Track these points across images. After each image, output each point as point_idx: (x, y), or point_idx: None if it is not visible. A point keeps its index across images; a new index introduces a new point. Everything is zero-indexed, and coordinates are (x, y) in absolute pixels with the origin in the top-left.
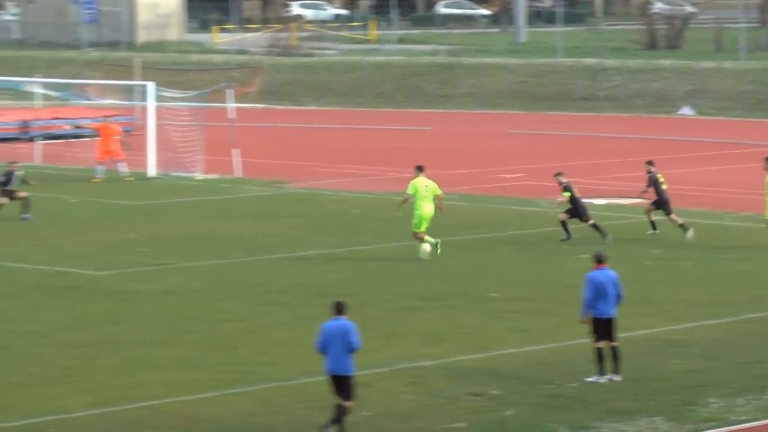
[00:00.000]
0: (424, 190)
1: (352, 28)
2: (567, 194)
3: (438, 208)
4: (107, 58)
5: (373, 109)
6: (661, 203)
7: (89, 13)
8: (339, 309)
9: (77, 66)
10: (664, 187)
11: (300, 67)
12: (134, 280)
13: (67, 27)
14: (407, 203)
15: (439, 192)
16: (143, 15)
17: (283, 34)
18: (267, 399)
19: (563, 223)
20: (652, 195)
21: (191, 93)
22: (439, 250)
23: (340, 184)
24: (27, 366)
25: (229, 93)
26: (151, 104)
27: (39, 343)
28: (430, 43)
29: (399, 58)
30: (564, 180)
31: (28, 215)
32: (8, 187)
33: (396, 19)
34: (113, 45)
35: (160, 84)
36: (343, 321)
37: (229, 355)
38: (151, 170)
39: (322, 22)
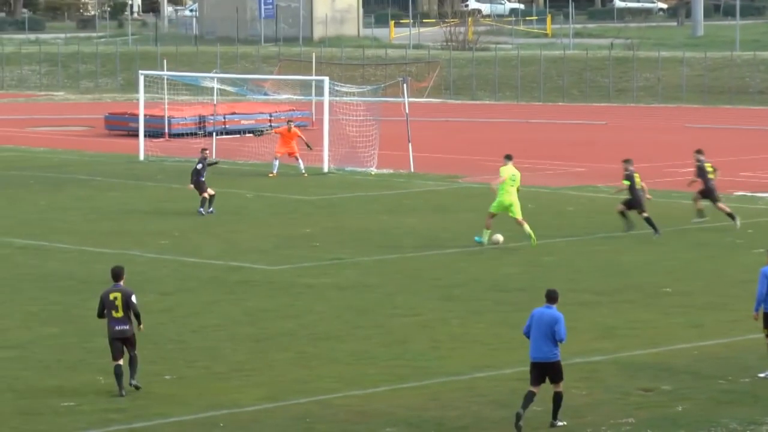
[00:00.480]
0: (511, 179)
1: (528, 22)
2: (627, 183)
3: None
4: (284, 53)
5: (548, 103)
6: (707, 192)
7: (267, 9)
8: (551, 297)
9: (254, 61)
10: (711, 176)
11: (476, 62)
12: (308, 274)
13: (245, 22)
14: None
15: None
16: (320, 10)
17: (460, 29)
18: (438, 394)
19: (622, 214)
20: (699, 184)
21: (367, 88)
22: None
23: None
24: (200, 360)
25: (405, 88)
26: (326, 99)
27: (212, 338)
28: (607, 37)
29: (575, 52)
30: (631, 168)
31: (211, 209)
32: (203, 177)
33: (572, 13)
34: (290, 40)
35: (336, 79)
36: (554, 311)
37: (400, 349)
38: (326, 165)
39: (499, 17)
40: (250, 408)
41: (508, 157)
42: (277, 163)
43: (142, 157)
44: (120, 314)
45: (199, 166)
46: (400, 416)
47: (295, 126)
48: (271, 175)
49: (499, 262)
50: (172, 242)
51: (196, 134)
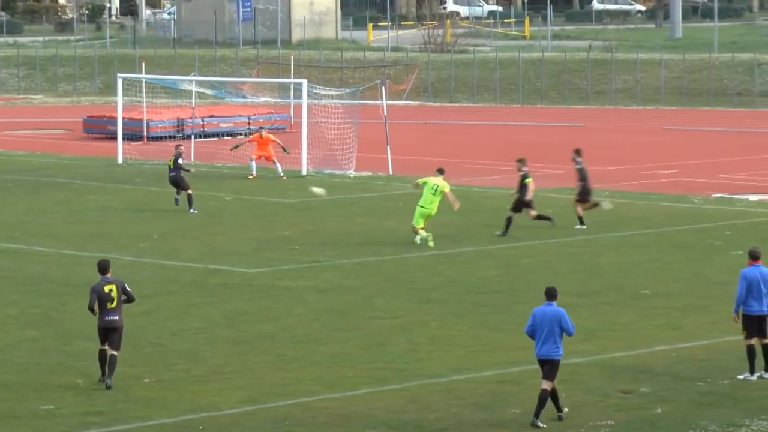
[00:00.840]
0: (432, 187)
1: (506, 24)
2: (529, 180)
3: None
4: (263, 56)
5: (527, 105)
6: (585, 194)
7: (245, 12)
8: (551, 295)
9: (233, 64)
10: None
11: (454, 64)
12: (287, 277)
13: (223, 25)
14: (418, 188)
15: (447, 189)
16: (299, 13)
17: (438, 31)
18: (418, 396)
19: (509, 220)
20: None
21: (345, 90)
22: (431, 243)
23: (493, 180)
24: (180, 363)
25: (383, 90)
26: (305, 102)
27: (192, 341)
28: (585, 39)
29: (553, 54)
30: (525, 168)
31: (194, 210)
32: (180, 173)
33: (551, 15)
34: (269, 43)
35: (315, 81)
36: (554, 307)
37: (380, 352)
38: (305, 167)
39: (477, 19)
40: (230, 411)
41: (440, 171)
42: (254, 164)
43: (120, 160)
44: (114, 305)
45: (180, 161)
46: (380, 419)
47: (266, 131)
48: (250, 177)
49: (478, 264)
50: (152, 245)
51: (174, 137)
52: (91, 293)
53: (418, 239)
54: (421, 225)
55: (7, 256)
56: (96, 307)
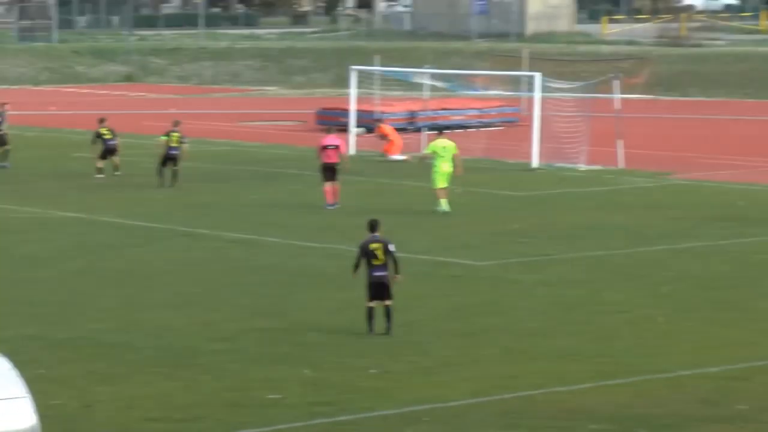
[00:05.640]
0: (442, 150)
1: (742, 18)
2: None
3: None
4: (496, 48)
5: (762, 100)
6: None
7: (480, 5)
8: (373, 226)
9: (466, 57)
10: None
11: (689, 58)
12: (515, 270)
13: (458, 18)
14: (427, 160)
15: (456, 152)
16: (533, 6)
17: (673, 25)
18: (644, 391)
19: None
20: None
21: (578, 84)
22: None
23: (725, 175)
24: (407, 354)
25: (616, 84)
26: (537, 95)
27: (420, 332)
28: None
29: None
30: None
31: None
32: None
33: None
34: (502, 36)
35: (548, 75)
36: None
37: (607, 346)
38: (535, 161)
39: (713, 13)
40: (455, 403)
41: (440, 131)
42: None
43: (353, 151)
44: (380, 261)
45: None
46: (605, 413)
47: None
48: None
49: (709, 259)
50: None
51: (406, 129)
52: (359, 249)
53: (441, 208)
54: (443, 185)
55: (240, 246)
56: (359, 262)
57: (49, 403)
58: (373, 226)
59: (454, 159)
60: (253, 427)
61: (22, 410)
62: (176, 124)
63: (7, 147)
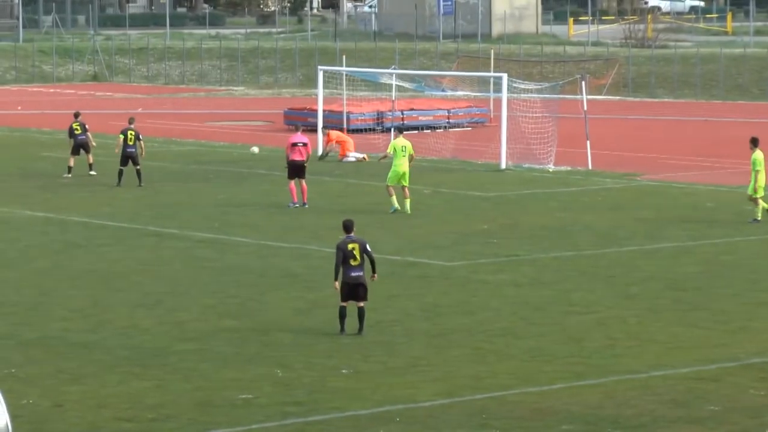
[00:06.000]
0: (401, 150)
1: (708, 19)
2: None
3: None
4: (462, 49)
5: (728, 101)
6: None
7: (446, 5)
8: (348, 227)
9: (432, 58)
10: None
11: (655, 59)
12: (484, 271)
13: (424, 19)
14: (386, 160)
15: (413, 152)
16: (499, 7)
17: (639, 26)
18: (614, 392)
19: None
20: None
21: (545, 85)
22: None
23: (694, 176)
24: (378, 355)
25: (583, 85)
26: (504, 96)
27: (389, 332)
28: None
29: (756, 50)
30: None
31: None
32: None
33: (753, 11)
34: (469, 37)
35: (514, 76)
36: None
37: (576, 347)
38: (504, 162)
39: (679, 14)
40: (427, 403)
41: (400, 131)
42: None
43: (320, 152)
44: (357, 262)
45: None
46: (576, 414)
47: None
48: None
49: (677, 260)
50: None
51: (374, 130)
52: (337, 250)
53: (392, 208)
54: (395, 183)
55: (208, 246)
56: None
57: (20, 403)
58: (348, 227)
59: (410, 159)
60: (225, 427)
61: None
62: (131, 121)
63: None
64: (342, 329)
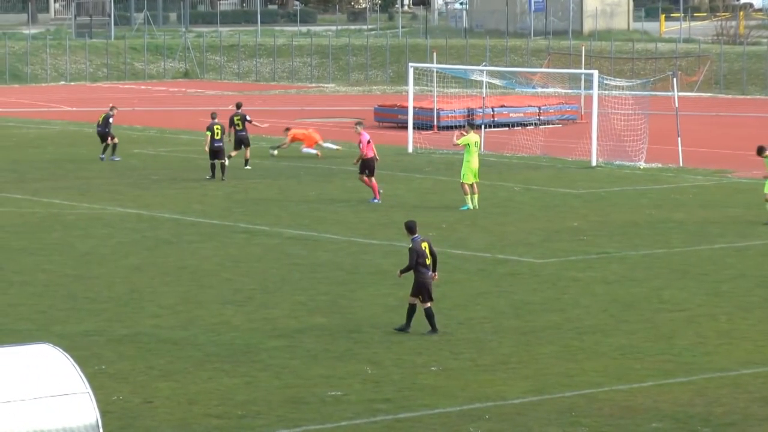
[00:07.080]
0: (475, 145)
1: None
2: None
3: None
4: (553, 46)
5: None
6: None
7: (537, 2)
8: (412, 228)
9: (523, 54)
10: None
11: (747, 56)
12: (574, 268)
13: (515, 16)
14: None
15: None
16: (591, 4)
17: (731, 23)
18: (704, 390)
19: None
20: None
21: (636, 81)
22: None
23: None
24: (466, 352)
25: (675, 82)
26: (595, 92)
27: (479, 330)
28: None
29: None
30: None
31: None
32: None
33: None
34: (560, 34)
35: (605, 72)
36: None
37: (667, 344)
38: (594, 159)
39: None
40: (516, 401)
41: (471, 126)
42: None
43: (410, 149)
44: (429, 261)
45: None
46: (666, 411)
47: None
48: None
49: None
50: (439, 234)
51: (464, 127)
52: (412, 252)
53: (467, 205)
54: (471, 181)
55: (298, 243)
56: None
57: (110, 399)
58: (412, 228)
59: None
60: (314, 424)
61: (84, 406)
62: (214, 116)
63: (115, 141)
64: (406, 327)
